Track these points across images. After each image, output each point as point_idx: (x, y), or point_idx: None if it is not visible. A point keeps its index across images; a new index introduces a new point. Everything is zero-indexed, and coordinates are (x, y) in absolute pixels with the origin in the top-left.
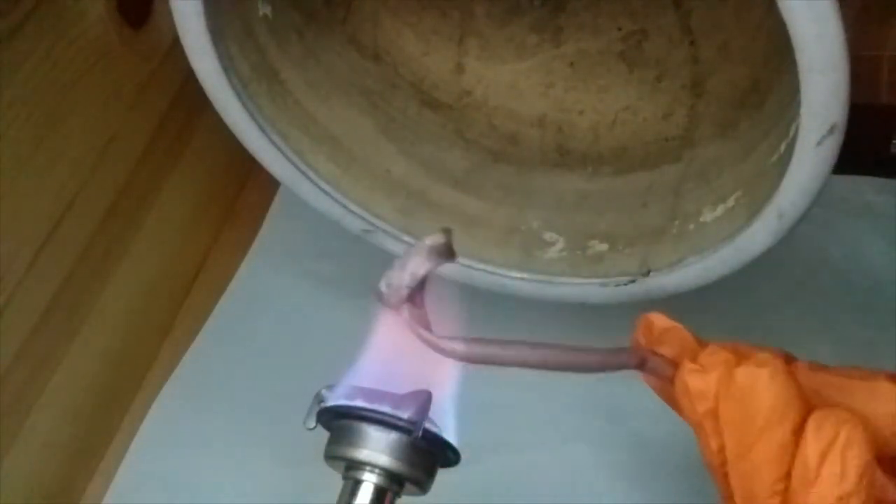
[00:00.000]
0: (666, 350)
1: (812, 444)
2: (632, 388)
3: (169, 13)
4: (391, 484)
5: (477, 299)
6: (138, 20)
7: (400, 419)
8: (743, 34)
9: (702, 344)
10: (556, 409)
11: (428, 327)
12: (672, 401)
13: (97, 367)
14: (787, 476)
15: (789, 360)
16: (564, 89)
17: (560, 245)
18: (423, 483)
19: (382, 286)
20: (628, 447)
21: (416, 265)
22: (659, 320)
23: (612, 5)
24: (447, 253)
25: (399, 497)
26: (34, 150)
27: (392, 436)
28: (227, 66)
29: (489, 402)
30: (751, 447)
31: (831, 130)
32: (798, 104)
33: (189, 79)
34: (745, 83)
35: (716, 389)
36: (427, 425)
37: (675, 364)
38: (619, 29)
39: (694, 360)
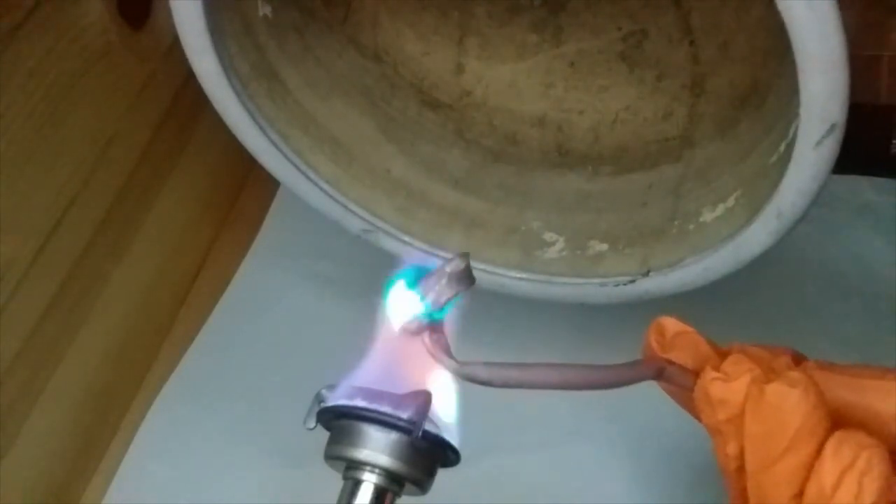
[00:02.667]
0: (679, 355)
1: (829, 465)
2: (632, 388)
3: (169, 13)
4: (391, 484)
5: (477, 299)
6: (138, 20)
7: (400, 419)
8: (743, 34)
9: (715, 348)
10: (555, 409)
11: (448, 353)
12: (686, 404)
13: (97, 367)
14: (804, 492)
15: (798, 359)
16: (564, 89)
17: (560, 245)
18: (423, 483)
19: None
20: (628, 447)
21: (438, 294)
22: (671, 325)
23: (612, 5)
24: (468, 279)
25: (399, 497)
26: (34, 150)
27: (392, 436)
28: (227, 66)
29: (489, 402)
30: (773, 463)
31: (831, 130)
32: (798, 104)
33: (189, 79)
34: (745, 83)
35: (742, 401)
36: (427, 425)
37: (692, 372)
38: (619, 29)
39: (716, 367)
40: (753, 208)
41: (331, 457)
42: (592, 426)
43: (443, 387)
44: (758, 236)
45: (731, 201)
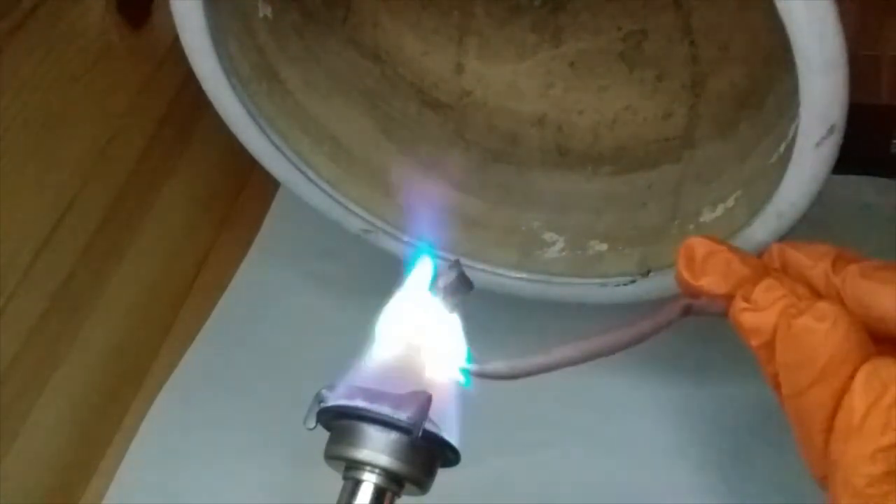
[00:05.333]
0: (712, 280)
1: (859, 395)
2: (632, 388)
3: (169, 13)
4: (391, 484)
5: (477, 299)
6: (138, 20)
7: (400, 419)
8: (743, 34)
9: (749, 262)
10: (555, 409)
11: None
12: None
13: (97, 367)
14: (834, 419)
15: (841, 262)
16: (564, 89)
17: (560, 245)
18: (423, 483)
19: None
20: (629, 447)
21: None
22: (701, 246)
23: (612, 5)
24: (464, 286)
25: (399, 497)
26: (34, 150)
27: (392, 436)
28: (227, 66)
29: (489, 402)
30: (805, 391)
31: (831, 131)
32: (797, 104)
33: (189, 79)
34: (745, 83)
35: (773, 329)
36: (427, 425)
37: (725, 297)
38: (619, 29)
39: (747, 296)
40: (753, 208)
41: (331, 457)
42: (592, 426)
43: (443, 387)
44: (758, 236)
45: (731, 201)
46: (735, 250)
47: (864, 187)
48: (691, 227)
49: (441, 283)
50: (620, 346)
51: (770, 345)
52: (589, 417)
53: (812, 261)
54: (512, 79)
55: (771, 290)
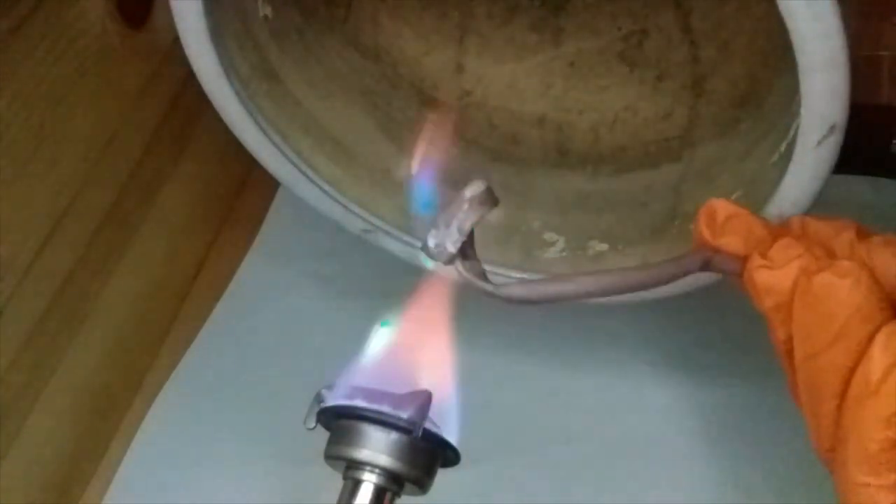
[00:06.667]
0: (730, 240)
1: (877, 358)
2: (632, 388)
3: (169, 13)
4: (391, 484)
5: (477, 299)
6: (138, 20)
7: (400, 419)
8: (743, 34)
9: (770, 228)
10: (556, 409)
11: (482, 277)
12: (742, 288)
13: (97, 368)
14: (849, 382)
15: (865, 233)
16: (564, 89)
17: (560, 245)
18: (423, 483)
19: (431, 244)
20: (628, 447)
21: (462, 220)
22: (722, 208)
23: (612, 5)
24: (490, 200)
25: (399, 497)
26: (34, 150)
27: (392, 436)
28: (227, 66)
29: (489, 402)
30: (821, 352)
31: (831, 130)
32: (798, 104)
33: (189, 79)
34: (745, 83)
35: (790, 288)
36: (427, 425)
37: (742, 257)
38: (619, 29)
39: (764, 253)
40: (754, 208)
41: (331, 457)
42: (592, 426)
43: (443, 387)
44: None
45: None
46: (757, 216)
47: (864, 187)
48: (691, 226)
49: (468, 192)
50: (638, 284)
51: (784, 306)
52: (589, 417)
53: (835, 231)
54: (512, 79)
55: (790, 247)
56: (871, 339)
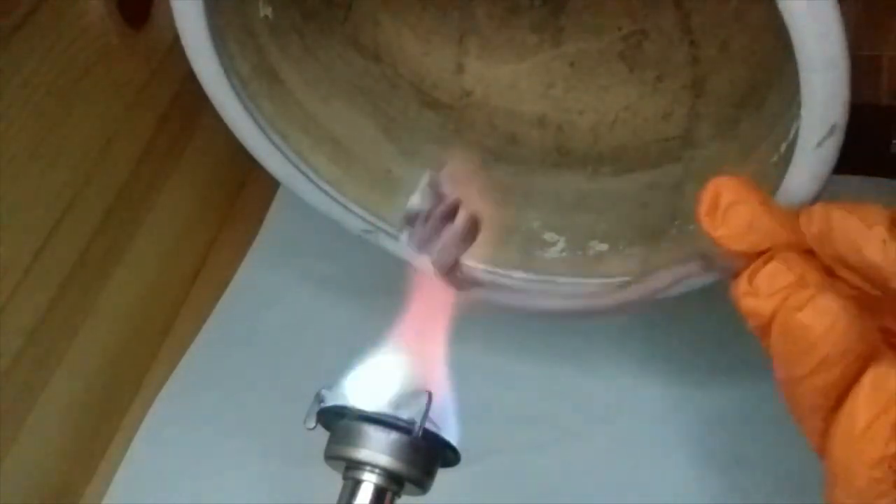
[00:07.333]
0: (728, 235)
1: (864, 404)
2: (632, 388)
3: (169, 13)
4: (391, 484)
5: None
6: (138, 20)
7: (400, 419)
8: (743, 34)
9: (781, 221)
10: (555, 409)
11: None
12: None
13: (97, 367)
14: (832, 409)
15: None
16: (564, 89)
17: (560, 245)
18: (423, 483)
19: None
20: (628, 447)
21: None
22: (728, 191)
23: (612, 5)
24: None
25: (399, 497)
26: (34, 150)
27: (392, 436)
28: (227, 66)
29: (489, 402)
30: (801, 379)
31: (831, 131)
32: (798, 104)
33: (189, 79)
34: (745, 83)
35: (770, 316)
36: (427, 425)
37: (739, 257)
38: (619, 29)
39: (752, 278)
40: None
41: (331, 457)
42: (592, 426)
43: (442, 387)
44: None
45: None
46: (766, 202)
47: (864, 187)
48: (691, 226)
49: (426, 180)
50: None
51: (767, 329)
52: (589, 417)
53: (866, 224)
54: (512, 79)
55: (776, 276)
56: (852, 366)
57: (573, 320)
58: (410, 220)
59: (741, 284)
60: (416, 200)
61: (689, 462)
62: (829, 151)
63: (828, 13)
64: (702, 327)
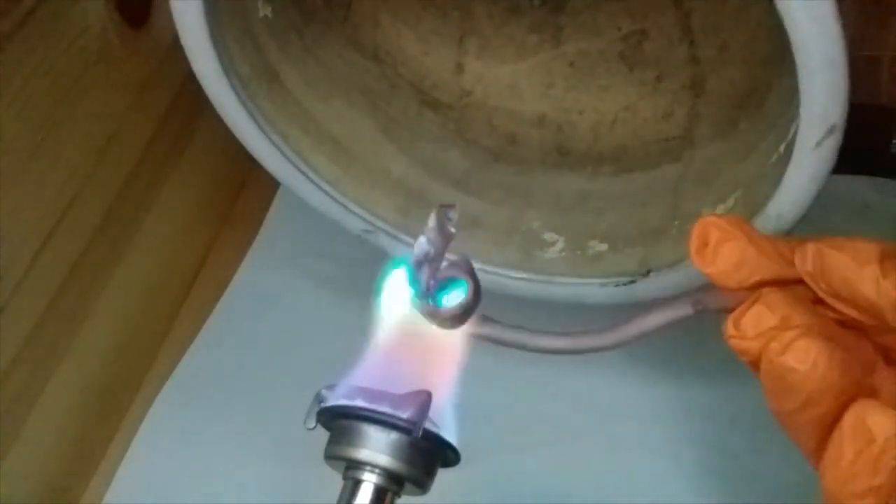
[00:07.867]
0: (720, 272)
1: (847, 441)
2: (632, 388)
3: (169, 13)
4: (391, 484)
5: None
6: (138, 20)
7: (400, 419)
8: (743, 34)
9: (769, 255)
10: (555, 409)
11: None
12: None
13: (97, 367)
14: (823, 439)
15: (890, 262)
16: (564, 89)
17: (560, 245)
18: (423, 483)
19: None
20: (628, 447)
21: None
22: (717, 229)
23: (612, 5)
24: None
25: (399, 497)
26: (34, 150)
27: (392, 436)
28: (227, 66)
29: (489, 402)
30: (790, 414)
31: (830, 131)
32: (797, 104)
33: (189, 79)
34: (744, 83)
35: (758, 355)
36: (427, 425)
37: (732, 293)
38: (619, 29)
39: (737, 322)
40: (753, 208)
41: (331, 457)
42: (592, 426)
43: (442, 386)
44: None
45: (730, 201)
46: (754, 238)
47: (864, 187)
48: (691, 226)
49: (432, 221)
50: (634, 338)
51: (756, 364)
52: (589, 417)
53: (858, 264)
54: (512, 79)
55: (760, 319)
56: (839, 404)
57: (567, 355)
58: (419, 264)
59: (729, 328)
60: (423, 243)
61: (688, 462)
62: (829, 151)
63: (827, 13)
64: (701, 327)
